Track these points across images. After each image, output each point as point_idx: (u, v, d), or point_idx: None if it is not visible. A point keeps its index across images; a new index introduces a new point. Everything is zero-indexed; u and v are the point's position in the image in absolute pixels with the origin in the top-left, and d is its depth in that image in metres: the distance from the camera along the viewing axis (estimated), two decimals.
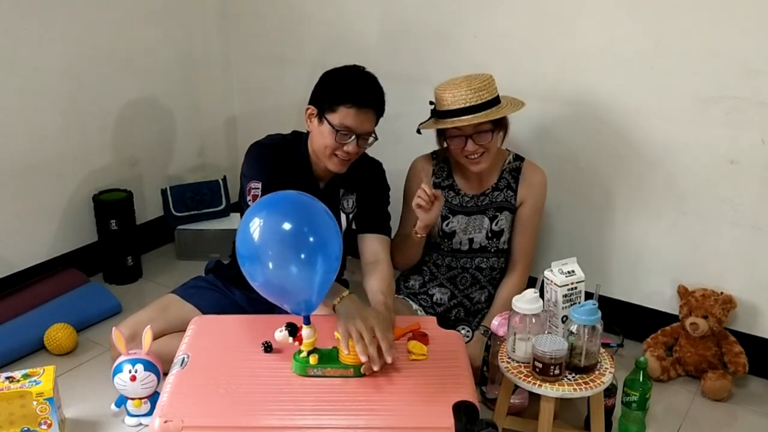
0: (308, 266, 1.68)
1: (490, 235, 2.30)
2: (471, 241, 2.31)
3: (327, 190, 2.24)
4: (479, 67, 2.53)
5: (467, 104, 2.10)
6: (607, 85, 2.34)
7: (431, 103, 2.21)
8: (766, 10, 2.05)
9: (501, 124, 2.20)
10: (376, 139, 2.14)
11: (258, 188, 2.16)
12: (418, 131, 2.23)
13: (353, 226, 2.28)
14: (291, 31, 2.92)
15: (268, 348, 1.86)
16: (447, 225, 2.31)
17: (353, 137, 2.07)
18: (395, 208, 2.34)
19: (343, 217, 2.26)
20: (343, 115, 2.04)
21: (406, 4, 2.63)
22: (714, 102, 2.18)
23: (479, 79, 2.14)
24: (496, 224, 2.29)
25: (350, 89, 2.06)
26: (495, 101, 2.14)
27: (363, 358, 1.73)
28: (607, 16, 2.28)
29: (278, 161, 2.17)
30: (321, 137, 2.10)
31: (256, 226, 1.68)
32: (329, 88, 2.09)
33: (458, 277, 2.34)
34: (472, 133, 2.14)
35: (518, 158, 2.32)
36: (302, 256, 1.67)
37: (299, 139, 2.24)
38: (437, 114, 2.18)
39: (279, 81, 3.01)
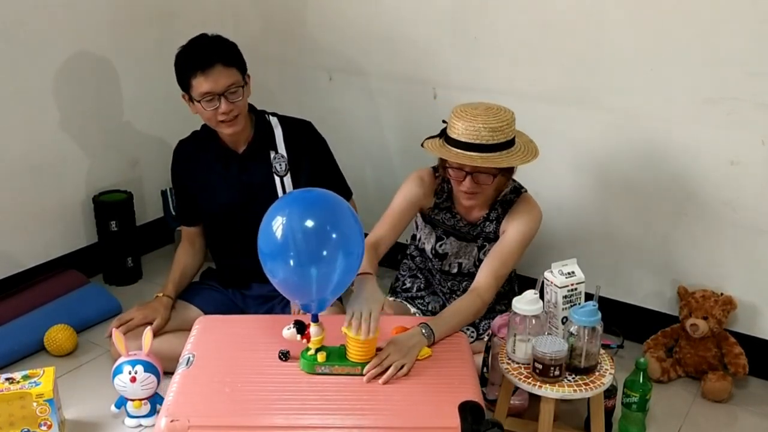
0: (329, 264, 1.68)
1: (477, 263, 2.21)
2: (460, 265, 2.26)
3: (250, 153, 2.31)
4: (479, 69, 2.54)
5: (478, 141, 1.96)
6: (606, 86, 2.33)
7: (444, 121, 2.08)
8: (766, 11, 2.05)
9: (506, 168, 2.06)
10: (245, 82, 2.21)
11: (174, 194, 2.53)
12: (423, 145, 2.10)
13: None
14: (291, 32, 2.92)
15: (285, 357, 1.84)
16: (440, 246, 2.25)
17: (218, 98, 2.15)
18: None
19: (276, 180, 2.30)
20: (197, 86, 2.14)
21: (405, 6, 2.63)
22: (714, 103, 2.18)
23: (498, 118, 1.98)
24: (484, 253, 2.20)
25: (187, 61, 2.17)
26: (508, 144, 1.99)
27: (353, 332, 1.77)
28: (607, 18, 2.28)
29: (186, 158, 2.37)
30: (201, 114, 2.21)
31: (278, 224, 1.68)
32: (176, 72, 2.20)
33: (450, 295, 2.31)
34: (473, 171, 2.02)
35: (516, 191, 2.18)
36: (324, 253, 1.67)
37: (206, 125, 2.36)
38: (446, 137, 2.04)
39: (279, 82, 3.01)
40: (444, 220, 2.23)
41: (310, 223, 1.67)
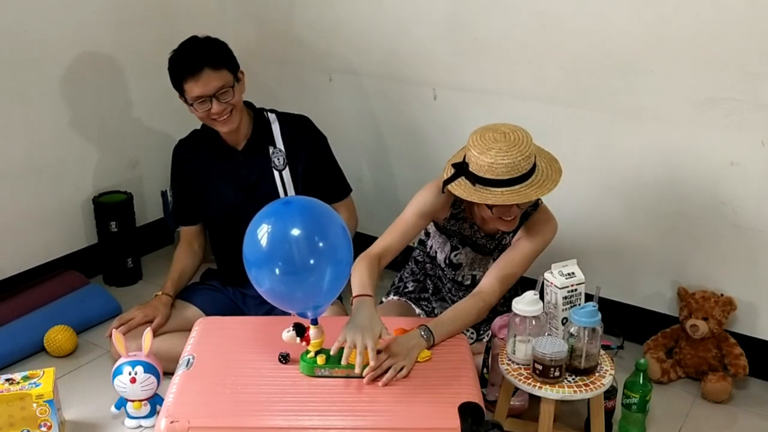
0: (316, 273, 1.67)
1: None
2: (473, 277, 2.24)
3: (249, 150, 2.35)
4: (479, 69, 2.54)
5: (511, 175, 1.86)
6: (606, 87, 2.33)
7: (457, 164, 1.96)
8: (766, 11, 2.05)
9: None
10: (236, 81, 2.24)
11: (171, 194, 2.60)
12: (443, 190, 1.99)
13: (289, 187, 2.34)
14: (291, 33, 2.92)
15: (285, 360, 1.83)
16: (455, 256, 2.21)
17: (210, 100, 2.19)
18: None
19: (275, 174, 2.33)
20: (189, 90, 2.19)
21: (405, 6, 2.63)
22: (714, 104, 2.18)
23: (521, 144, 1.87)
24: None
25: (177, 66, 2.21)
26: (533, 168, 1.91)
27: (344, 361, 1.77)
28: (607, 18, 2.28)
29: (186, 157, 2.40)
30: (196, 114, 2.26)
31: (263, 232, 1.67)
32: (170, 77, 2.24)
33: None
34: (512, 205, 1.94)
35: (534, 205, 2.11)
36: (311, 262, 1.66)
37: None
38: (468, 174, 1.91)
39: (279, 82, 3.01)
40: (461, 230, 2.18)
41: (296, 232, 1.66)
